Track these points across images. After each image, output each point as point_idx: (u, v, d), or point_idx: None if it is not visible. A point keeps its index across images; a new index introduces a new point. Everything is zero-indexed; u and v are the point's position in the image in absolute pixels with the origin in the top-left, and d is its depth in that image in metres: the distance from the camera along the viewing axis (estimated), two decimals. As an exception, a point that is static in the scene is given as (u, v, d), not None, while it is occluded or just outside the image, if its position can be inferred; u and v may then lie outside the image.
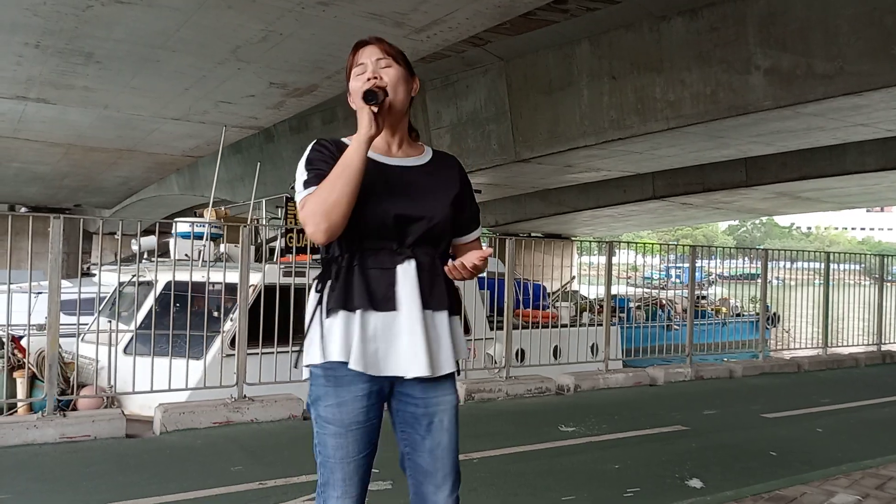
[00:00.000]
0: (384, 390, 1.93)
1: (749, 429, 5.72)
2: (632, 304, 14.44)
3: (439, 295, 1.91)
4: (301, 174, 1.90)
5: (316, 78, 8.94)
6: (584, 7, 8.73)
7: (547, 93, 10.38)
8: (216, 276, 6.40)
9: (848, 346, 10.22)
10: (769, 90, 8.05)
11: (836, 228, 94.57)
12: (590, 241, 17.75)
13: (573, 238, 26.12)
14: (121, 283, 7.76)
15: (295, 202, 1.95)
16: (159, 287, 6.99)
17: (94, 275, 12.98)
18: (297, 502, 3.67)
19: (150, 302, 7.13)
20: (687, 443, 5.19)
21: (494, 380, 6.73)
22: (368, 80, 1.89)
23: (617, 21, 9.12)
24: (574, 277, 16.26)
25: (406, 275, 1.86)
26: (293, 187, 1.96)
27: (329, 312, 1.88)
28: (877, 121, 9.30)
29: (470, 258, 1.87)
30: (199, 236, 8.61)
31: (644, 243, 11.29)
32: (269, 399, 5.50)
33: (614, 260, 8.05)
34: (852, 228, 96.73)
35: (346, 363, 1.86)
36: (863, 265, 12.32)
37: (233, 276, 5.90)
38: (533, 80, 10.59)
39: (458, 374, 2.01)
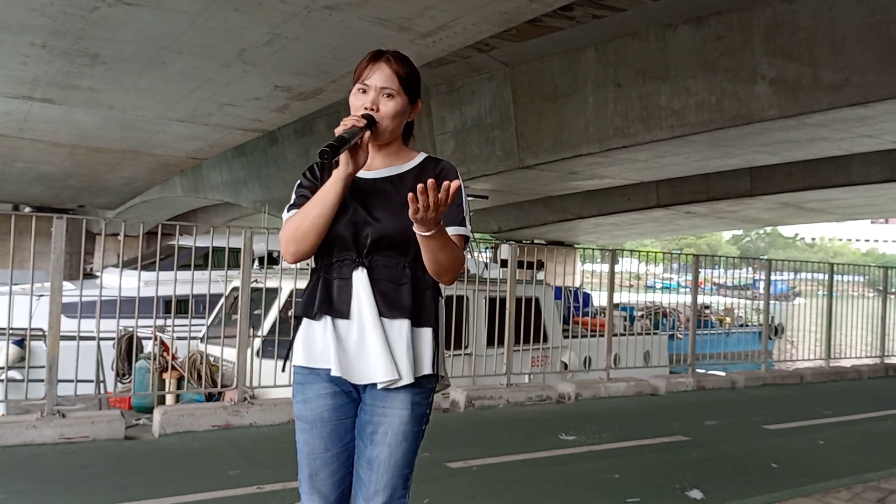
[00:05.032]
0: (352, 393, 1.96)
1: (751, 440, 5.69)
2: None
3: (398, 303, 1.88)
4: (291, 197, 1.99)
5: (321, 82, 8.92)
6: (591, 14, 8.73)
7: (552, 99, 10.36)
8: None
9: (851, 357, 10.17)
10: (774, 100, 8.03)
11: (841, 240, 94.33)
12: (593, 249, 17.70)
13: (576, 245, 26.06)
14: (235, 289, 7.99)
15: None
16: (284, 294, 7.46)
17: (97, 276, 12.97)
18: (295, 507, 3.65)
19: (276, 308, 7.66)
20: (688, 453, 5.16)
21: (495, 387, 6.70)
22: (365, 108, 1.93)
23: (623, 29, 9.11)
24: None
25: (358, 283, 1.89)
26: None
27: (296, 319, 2.01)
28: (882, 132, 9.26)
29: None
30: None
31: (647, 252, 11.26)
32: (268, 403, 5.49)
33: (617, 268, 8.04)
34: (856, 240, 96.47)
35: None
36: (867, 277, 12.29)
37: None
38: (538, 86, 10.57)
39: (437, 388, 1.99)
